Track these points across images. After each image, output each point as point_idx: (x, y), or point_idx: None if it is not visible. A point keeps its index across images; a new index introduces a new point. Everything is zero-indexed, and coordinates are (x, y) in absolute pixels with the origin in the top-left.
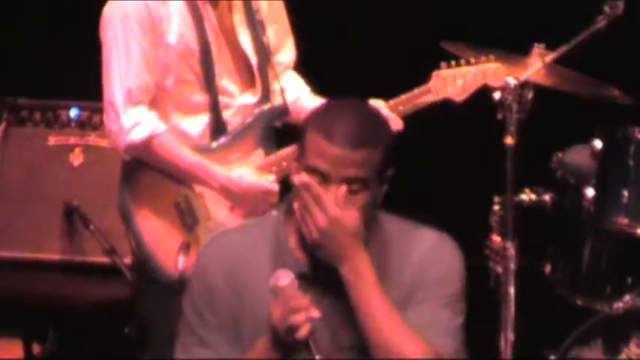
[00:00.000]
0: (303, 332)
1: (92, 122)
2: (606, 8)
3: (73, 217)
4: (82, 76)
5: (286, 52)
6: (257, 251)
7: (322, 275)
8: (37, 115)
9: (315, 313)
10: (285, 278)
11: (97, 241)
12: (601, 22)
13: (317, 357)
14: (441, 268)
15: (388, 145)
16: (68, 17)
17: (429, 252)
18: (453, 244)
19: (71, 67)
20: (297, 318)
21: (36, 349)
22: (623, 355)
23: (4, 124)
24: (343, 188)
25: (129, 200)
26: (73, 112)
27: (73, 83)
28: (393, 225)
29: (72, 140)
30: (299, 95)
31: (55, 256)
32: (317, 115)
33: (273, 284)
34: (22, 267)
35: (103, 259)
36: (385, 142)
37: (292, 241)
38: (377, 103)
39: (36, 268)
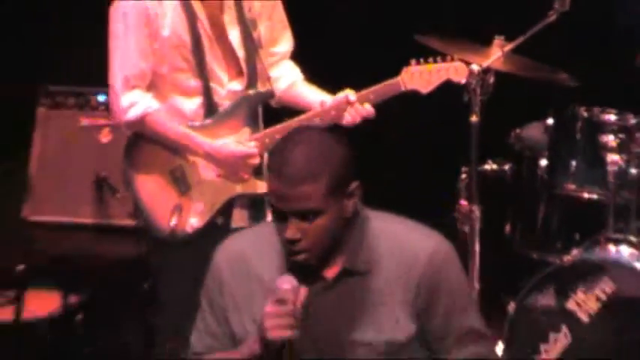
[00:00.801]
0: (276, 334)
1: None
2: (556, 4)
3: (102, 187)
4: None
5: (283, 44)
6: (269, 248)
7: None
8: (71, 101)
9: (295, 331)
10: (288, 284)
11: (122, 206)
12: (551, 16)
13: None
14: (452, 280)
15: (339, 168)
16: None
17: (435, 263)
18: (450, 249)
19: (99, 57)
20: (280, 321)
21: (72, 299)
22: (571, 301)
23: (42, 108)
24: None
25: (129, 168)
26: (101, 97)
27: (101, 72)
28: (384, 225)
29: (101, 121)
30: (294, 80)
31: (87, 220)
32: (270, 154)
33: (275, 286)
34: (61, 229)
35: (128, 222)
36: (331, 169)
37: None
38: (348, 92)
39: (72, 230)
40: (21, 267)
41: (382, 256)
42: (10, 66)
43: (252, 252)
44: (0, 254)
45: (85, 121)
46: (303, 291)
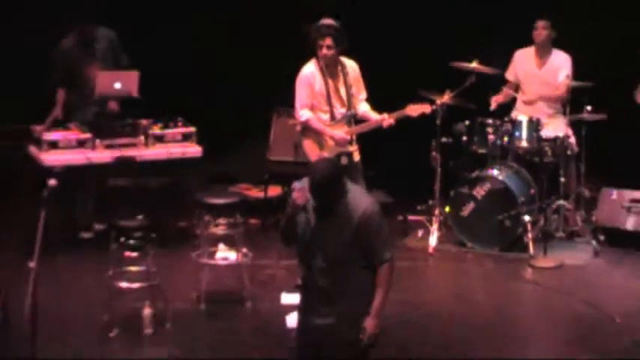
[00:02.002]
0: (298, 201)
1: None
2: (471, 77)
3: (296, 146)
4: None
5: (362, 95)
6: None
7: (323, 215)
8: (285, 114)
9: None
10: (299, 184)
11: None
12: (468, 82)
13: (288, 209)
14: (372, 226)
15: (335, 178)
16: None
17: (364, 216)
18: (376, 205)
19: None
20: (296, 195)
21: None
22: (474, 190)
23: (274, 117)
24: None
25: (301, 138)
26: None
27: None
28: (351, 192)
29: (297, 122)
30: (365, 110)
31: (290, 158)
32: (308, 176)
33: (293, 187)
34: (282, 163)
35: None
36: (332, 180)
37: None
38: (385, 115)
39: (285, 163)
40: (266, 175)
41: (346, 208)
42: (262, 98)
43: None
44: (260, 172)
45: (291, 122)
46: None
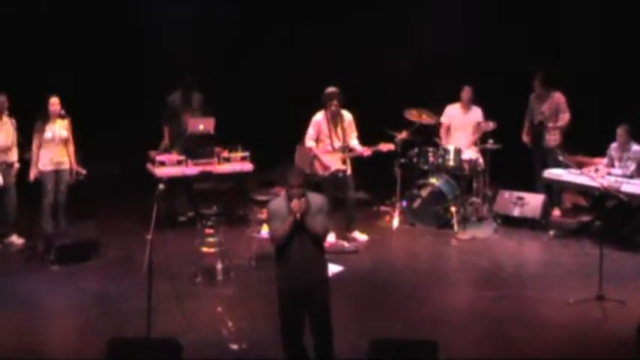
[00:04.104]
0: (295, 208)
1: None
2: (418, 122)
3: (312, 159)
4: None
5: (353, 134)
6: (282, 202)
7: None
8: (305, 144)
9: (297, 206)
10: (297, 202)
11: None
12: (416, 125)
13: (297, 215)
14: (325, 204)
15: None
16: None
17: (322, 203)
18: (324, 197)
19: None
20: (294, 204)
21: None
22: (421, 192)
23: (298, 146)
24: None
25: (313, 160)
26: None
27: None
28: (310, 195)
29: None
30: (354, 144)
31: (307, 172)
32: (288, 175)
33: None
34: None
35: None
36: (303, 181)
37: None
38: (364, 148)
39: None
40: None
41: (310, 198)
42: (290, 134)
43: (277, 204)
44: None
45: (307, 150)
46: (304, 202)
